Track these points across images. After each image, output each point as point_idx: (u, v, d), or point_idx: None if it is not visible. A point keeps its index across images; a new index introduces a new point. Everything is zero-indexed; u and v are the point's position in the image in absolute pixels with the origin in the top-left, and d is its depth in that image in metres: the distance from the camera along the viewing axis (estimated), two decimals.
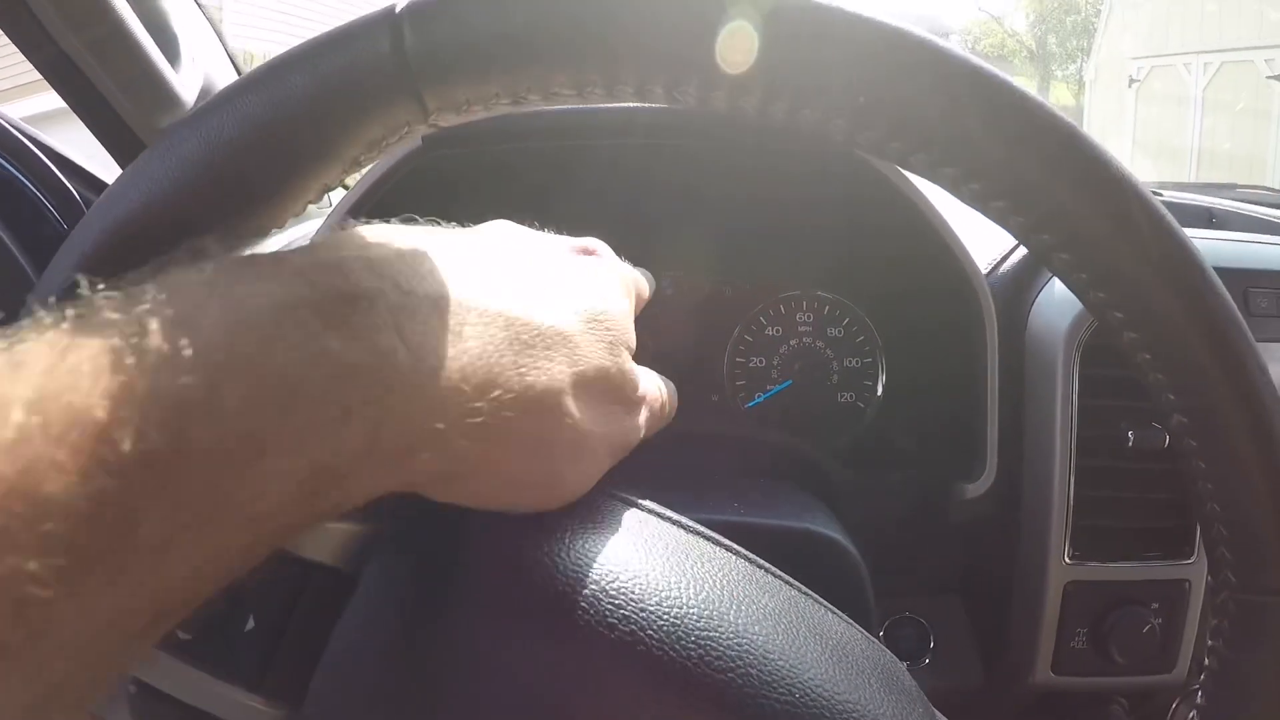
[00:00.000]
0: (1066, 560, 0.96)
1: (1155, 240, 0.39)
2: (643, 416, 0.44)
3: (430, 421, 0.31)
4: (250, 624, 0.39)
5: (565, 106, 0.92)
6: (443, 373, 0.31)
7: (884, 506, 1.03)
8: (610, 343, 0.40)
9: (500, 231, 0.44)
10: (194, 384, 0.25)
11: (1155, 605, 0.98)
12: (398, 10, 0.36)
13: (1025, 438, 0.99)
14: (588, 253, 0.47)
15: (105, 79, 0.98)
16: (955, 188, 0.40)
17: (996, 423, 0.95)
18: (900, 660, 1.02)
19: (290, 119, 0.36)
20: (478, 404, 0.32)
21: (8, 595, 0.22)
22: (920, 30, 0.36)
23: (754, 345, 1.18)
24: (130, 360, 0.25)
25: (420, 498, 0.36)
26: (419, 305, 0.32)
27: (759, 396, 1.18)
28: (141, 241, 0.37)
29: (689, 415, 1.15)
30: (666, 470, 0.95)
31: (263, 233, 0.41)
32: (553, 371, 0.35)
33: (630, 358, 0.42)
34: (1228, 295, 0.40)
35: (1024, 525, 1.00)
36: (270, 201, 0.39)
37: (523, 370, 0.34)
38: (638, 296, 0.49)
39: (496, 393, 0.33)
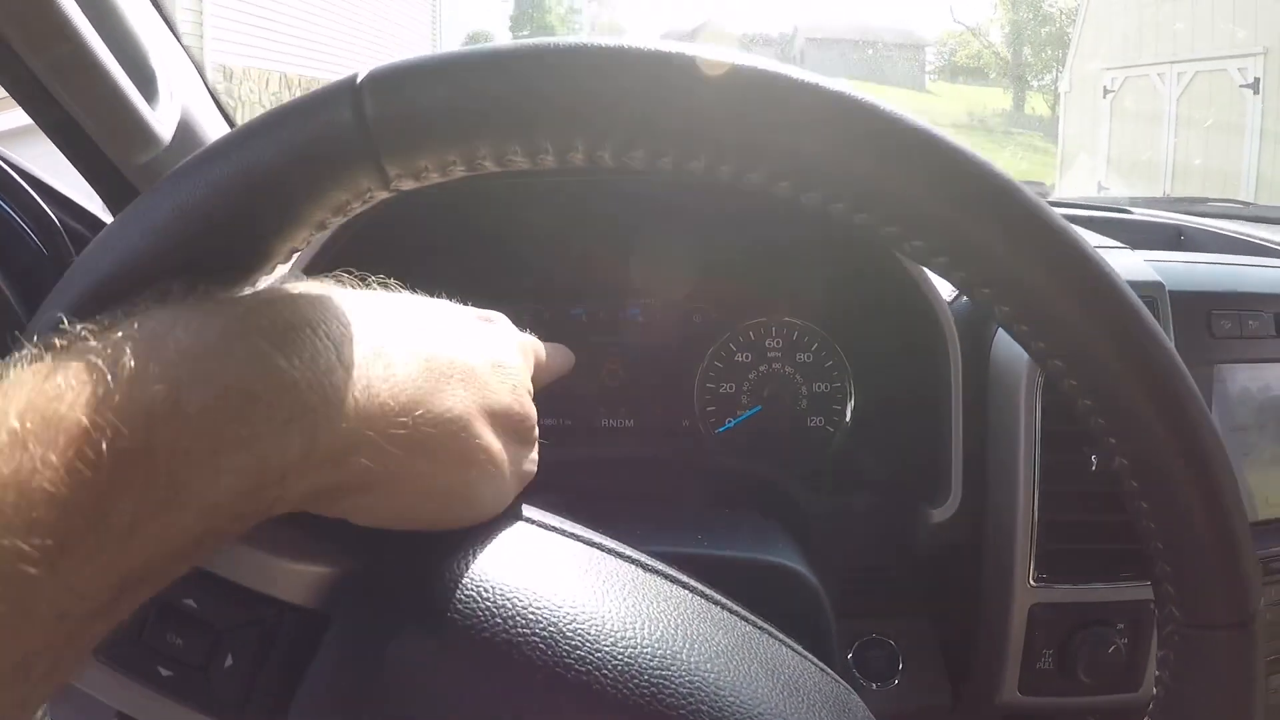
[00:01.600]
0: (1031, 583, 0.97)
1: (1089, 290, 0.40)
2: (535, 453, 0.50)
3: (362, 429, 0.35)
4: (229, 661, 0.40)
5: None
6: (373, 391, 0.36)
7: (852, 530, 1.04)
8: (513, 385, 0.46)
9: (415, 296, 0.49)
10: (161, 393, 0.30)
11: (1121, 625, 0.99)
12: (359, 80, 0.37)
13: (989, 463, 1.01)
14: (488, 321, 0.52)
15: (70, 101, 0.99)
16: (897, 244, 0.41)
17: (961, 448, 0.96)
18: (869, 681, 1.03)
19: (258, 187, 0.38)
20: (403, 419, 0.37)
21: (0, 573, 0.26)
22: (855, 91, 0.38)
23: (724, 371, 1.20)
24: (107, 375, 0.29)
25: (386, 537, 0.40)
26: (355, 337, 0.37)
27: (729, 422, 1.19)
28: (117, 301, 0.39)
29: (659, 441, 1.18)
30: (634, 498, 0.97)
31: (230, 289, 0.42)
32: (465, 399, 0.41)
33: (531, 402, 0.48)
34: (1167, 342, 0.42)
35: (989, 549, 1.01)
36: (239, 265, 0.40)
37: (441, 396, 0.40)
38: (543, 364, 0.58)
39: (420, 411, 0.38)
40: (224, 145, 0.39)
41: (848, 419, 1.19)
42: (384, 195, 0.40)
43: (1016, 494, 0.96)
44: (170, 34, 1.17)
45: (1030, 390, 0.95)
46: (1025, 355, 0.93)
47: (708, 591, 0.47)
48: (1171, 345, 0.42)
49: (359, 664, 0.39)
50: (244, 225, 0.39)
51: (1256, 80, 9.46)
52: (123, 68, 1.00)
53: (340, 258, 0.96)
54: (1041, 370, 0.44)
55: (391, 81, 0.37)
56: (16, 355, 0.31)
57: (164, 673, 0.40)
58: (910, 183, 0.38)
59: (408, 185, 0.39)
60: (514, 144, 0.37)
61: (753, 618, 0.48)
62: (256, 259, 0.40)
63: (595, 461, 1.07)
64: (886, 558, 1.07)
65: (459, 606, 0.38)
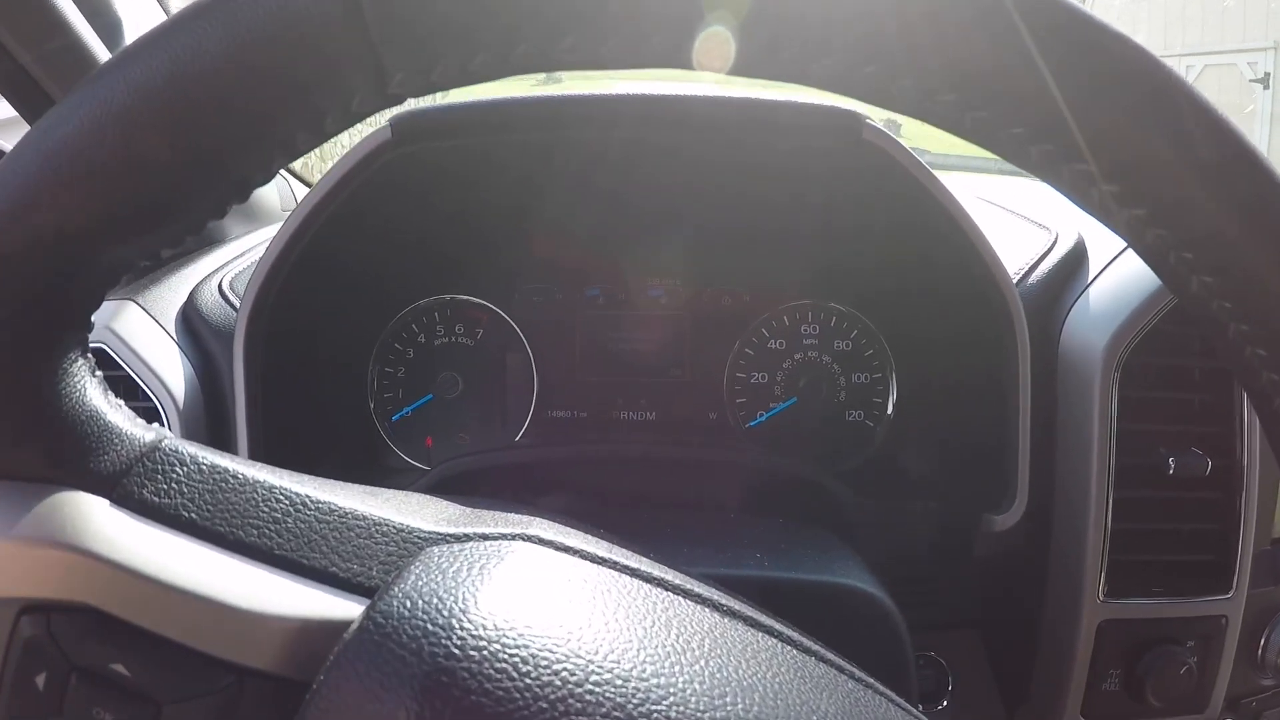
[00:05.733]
0: (1100, 598, 0.88)
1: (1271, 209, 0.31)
2: None
3: None
4: None
5: (551, 94, 0.83)
6: None
7: (903, 538, 0.95)
8: None
9: None
10: None
11: (1191, 643, 0.91)
12: None
13: (1058, 465, 0.91)
14: None
15: (58, 91, 0.93)
16: (1020, 149, 0.32)
17: (1028, 449, 0.87)
18: (917, 702, 0.95)
19: (199, 88, 0.28)
20: None
21: None
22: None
23: (755, 360, 1.11)
24: None
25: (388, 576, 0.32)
26: None
27: (761, 415, 1.10)
28: (15, 257, 0.29)
29: (684, 435, 1.09)
30: (663, 503, 0.88)
31: (172, 241, 0.32)
32: None
33: None
34: None
35: (1054, 560, 0.92)
36: (175, 202, 0.30)
37: None
38: None
39: None
40: (154, 35, 0.28)
41: (889, 412, 1.09)
42: (376, 106, 0.29)
43: (1088, 500, 0.87)
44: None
45: (1106, 385, 0.85)
46: (1100, 346, 0.85)
47: (795, 636, 0.38)
48: None
49: None
50: (177, 143, 0.29)
51: (1267, 75, 9.42)
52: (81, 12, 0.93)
53: (340, 230, 0.86)
54: (1197, 316, 0.34)
55: None
56: None
57: None
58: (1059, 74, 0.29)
59: (411, 91, 0.29)
60: (570, 33, 0.27)
61: (850, 667, 0.39)
62: (198, 193, 0.30)
63: (613, 458, 0.98)
64: (937, 567, 0.98)
65: (488, 686, 0.28)
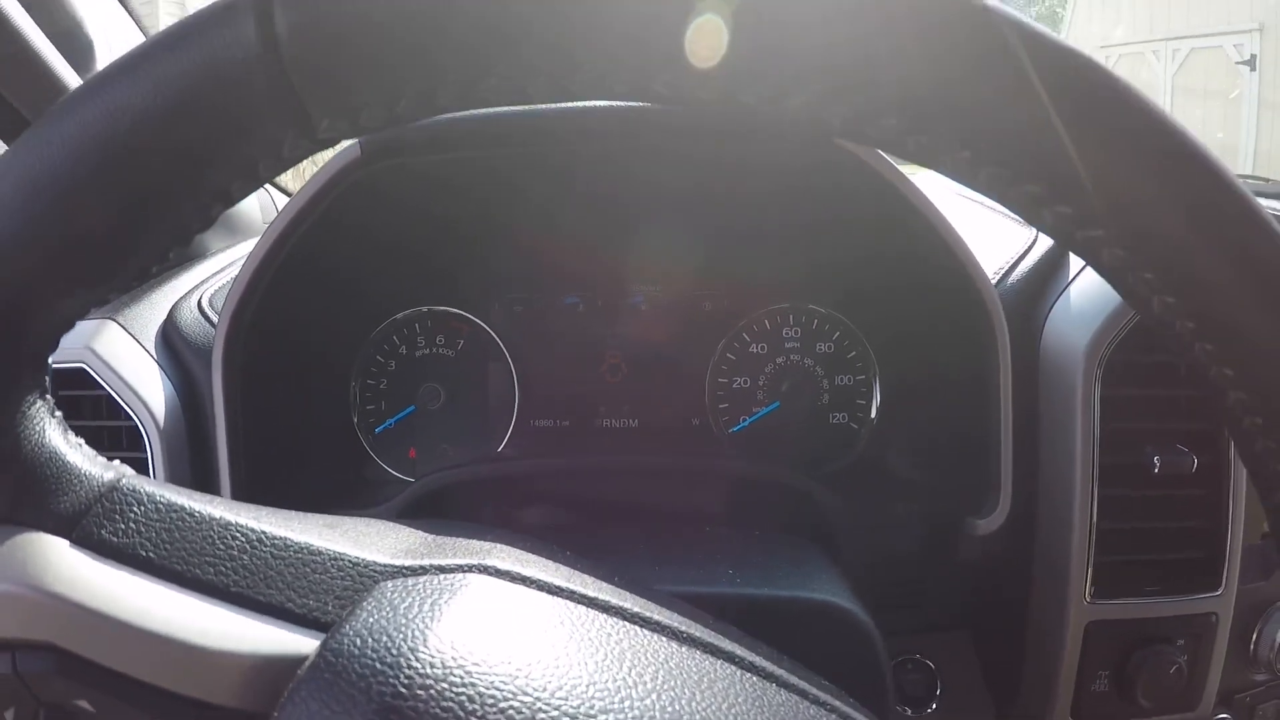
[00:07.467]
0: (1087, 599, 0.88)
1: (1236, 231, 0.30)
2: None
3: None
4: None
5: (518, 110, 0.82)
6: None
7: (888, 540, 0.94)
8: None
9: None
10: None
11: (1181, 642, 0.90)
12: None
13: (1041, 466, 0.90)
14: None
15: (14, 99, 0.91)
16: (970, 172, 0.31)
17: (1010, 451, 0.86)
18: (905, 706, 0.94)
19: (131, 143, 0.28)
20: None
21: None
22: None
23: (737, 364, 1.10)
24: None
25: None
26: None
27: (744, 420, 1.10)
28: None
29: (666, 442, 1.08)
30: (643, 514, 0.87)
31: (120, 288, 0.32)
32: None
33: None
34: None
35: (1040, 561, 0.91)
36: (117, 256, 0.30)
37: None
38: None
39: None
40: (87, 87, 0.28)
41: (873, 415, 1.09)
42: (309, 151, 0.29)
43: (1072, 501, 0.86)
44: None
45: (1088, 384, 0.85)
46: (1082, 345, 0.85)
47: (756, 661, 0.37)
48: None
49: None
50: (109, 199, 0.29)
51: (1253, 57, 9.43)
52: (49, 33, 0.92)
53: (317, 244, 0.85)
54: (1161, 331, 0.33)
55: None
56: None
57: None
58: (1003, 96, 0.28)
59: (341, 135, 0.28)
60: (498, 68, 0.26)
61: (814, 691, 0.38)
62: (133, 246, 0.30)
63: (596, 468, 0.97)
64: (923, 570, 0.97)
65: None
